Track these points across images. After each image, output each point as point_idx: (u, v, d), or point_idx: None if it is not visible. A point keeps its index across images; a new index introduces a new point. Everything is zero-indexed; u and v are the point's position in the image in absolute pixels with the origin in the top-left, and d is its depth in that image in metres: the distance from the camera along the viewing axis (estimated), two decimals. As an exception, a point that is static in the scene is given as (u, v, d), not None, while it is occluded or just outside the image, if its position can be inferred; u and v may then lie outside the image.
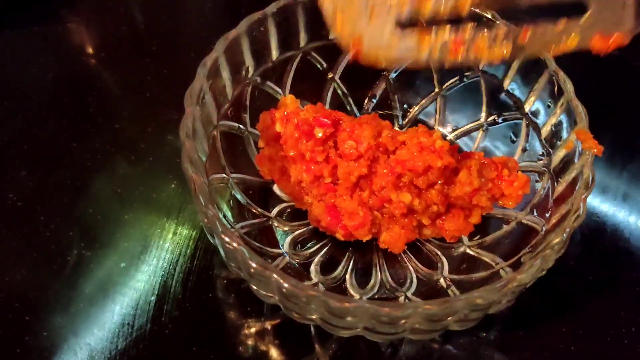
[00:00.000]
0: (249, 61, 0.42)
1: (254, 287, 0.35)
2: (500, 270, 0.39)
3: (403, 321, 0.31)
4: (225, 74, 0.41)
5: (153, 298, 0.41)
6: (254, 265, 0.31)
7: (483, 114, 0.46)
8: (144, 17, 0.60)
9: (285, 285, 0.30)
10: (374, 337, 0.34)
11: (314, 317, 0.33)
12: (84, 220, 0.45)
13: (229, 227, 0.37)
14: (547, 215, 0.39)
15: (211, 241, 0.37)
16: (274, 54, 0.44)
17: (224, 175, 0.41)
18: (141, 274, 0.42)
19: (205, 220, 0.33)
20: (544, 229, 0.38)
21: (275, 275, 0.30)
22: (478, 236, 0.43)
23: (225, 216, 0.39)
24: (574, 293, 0.43)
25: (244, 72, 0.43)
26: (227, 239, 0.32)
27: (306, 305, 0.32)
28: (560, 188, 0.38)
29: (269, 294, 0.34)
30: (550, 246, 0.33)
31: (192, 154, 0.35)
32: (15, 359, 0.38)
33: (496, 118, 0.45)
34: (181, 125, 0.36)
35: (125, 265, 0.43)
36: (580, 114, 0.38)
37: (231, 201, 0.42)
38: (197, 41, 0.57)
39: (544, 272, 0.33)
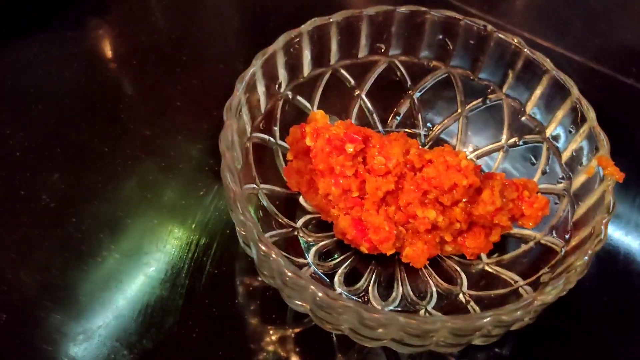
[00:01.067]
0: (282, 76, 0.44)
1: (286, 296, 0.36)
2: (520, 289, 0.40)
3: (431, 334, 0.32)
4: (260, 87, 0.42)
5: (180, 302, 0.42)
6: (289, 274, 0.32)
7: (504, 136, 0.48)
8: (173, 27, 0.61)
9: (320, 294, 0.32)
10: (399, 349, 0.35)
11: (343, 327, 0.34)
12: (114, 223, 0.46)
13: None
14: (566, 237, 0.40)
15: (244, 249, 0.39)
16: (306, 70, 0.45)
17: (255, 185, 0.43)
18: (169, 277, 0.43)
19: (242, 229, 0.35)
20: (563, 250, 0.39)
21: (311, 286, 0.32)
22: (497, 254, 0.44)
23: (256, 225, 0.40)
24: (589, 313, 0.44)
25: (276, 86, 0.44)
26: (264, 248, 0.33)
27: (338, 315, 0.33)
28: (580, 211, 0.40)
29: (301, 303, 0.35)
30: (573, 267, 0.34)
31: (231, 164, 0.36)
32: (44, 355, 0.40)
33: (517, 140, 0.47)
34: (221, 137, 0.37)
35: (154, 268, 0.44)
36: (602, 141, 0.39)
37: (260, 211, 0.43)
38: (226, 53, 0.59)
39: (565, 293, 0.34)
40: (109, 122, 0.52)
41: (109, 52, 0.58)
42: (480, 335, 0.34)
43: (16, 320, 0.41)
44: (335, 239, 0.44)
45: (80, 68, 0.56)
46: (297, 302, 0.35)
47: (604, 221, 0.36)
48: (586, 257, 0.34)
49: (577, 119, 0.42)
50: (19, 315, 0.41)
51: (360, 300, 0.42)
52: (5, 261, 0.43)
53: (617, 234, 0.49)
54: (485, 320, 0.31)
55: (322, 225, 0.45)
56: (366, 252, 0.42)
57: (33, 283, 0.43)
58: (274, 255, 0.32)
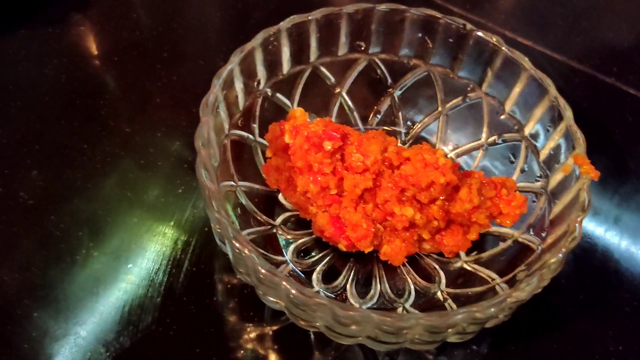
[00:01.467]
0: (261, 73, 0.44)
1: (261, 293, 0.36)
2: (496, 286, 0.40)
3: (405, 331, 0.32)
4: (239, 84, 0.42)
5: (158, 299, 0.42)
6: (263, 271, 0.32)
7: (484, 135, 0.48)
8: (155, 23, 0.61)
9: (294, 292, 0.32)
10: (375, 346, 0.35)
11: (318, 324, 0.34)
12: (93, 221, 0.46)
13: (237, 234, 0.38)
14: (543, 234, 0.40)
15: (220, 247, 0.39)
16: (285, 67, 0.45)
17: (233, 182, 0.43)
18: (147, 275, 0.43)
19: (217, 227, 0.35)
20: (539, 248, 0.39)
21: (284, 283, 0.32)
22: (475, 252, 0.44)
23: (232, 223, 0.40)
24: (565, 311, 0.45)
25: (255, 84, 0.44)
26: (238, 245, 0.33)
27: (313, 312, 0.33)
28: (556, 209, 0.40)
29: (276, 300, 0.35)
30: (547, 265, 0.34)
31: (207, 162, 0.36)
32: (24, 353, 0.39)
33: (496, 139, 0.47)
34: (196, 134, 0.37)
35: (132, 266, 0.44)
36: (579, 139, 0.40)
37: (238, 208, 0.43)
38: (206, 50, 0.59)
39: (539, 290, 0.34)
40: (88, 119, 0.52)
41: (89, 49, 0.58)
42: (455, 332, 0.34)
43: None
44: (313, 236, 0.44)
45: (61, 64, 0.56)
46: (272, 299, 0.35)
47: (579, 219, 0.36)
48: (560, 255, 0.34)
49: (554, 118, 0.42)
50: (-4, 313, 0.41)
51: (338, 298, 0.42)
52: (-18, 259, 0.43)
53: (595, 231, 0.49)
54: (458, 317, 0.31)
55: (301, 223, 0.45)
56: (344, 249, 0.42)
57: (12, 281, 0.42)
58: (246, 252, 0.32)
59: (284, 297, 0.33)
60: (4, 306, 0.41)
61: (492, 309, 0.32)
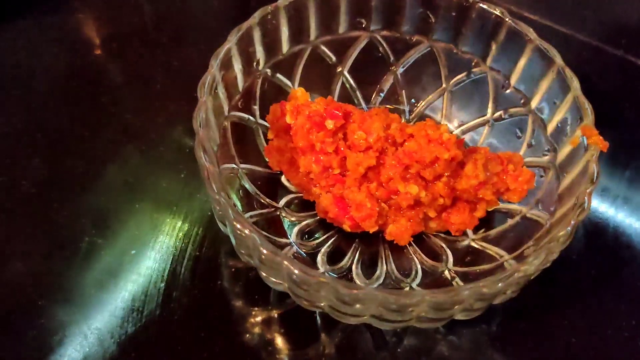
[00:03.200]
0: (260, 53, 0.43)
1: (264, 274, 0.36)
2: (505, 263, 0.39)
3: (410, 309, 0.31)
4: (237, 65, 0.41)
5: (162, 285, 0.42)
6: (265, 251, 0.32)
7: (489, 110, 0.47)
8: (154, 9, 0.60)
9: (296, 271, 0.31)
10: (380, 325, 0.35)
11: (322, 304, 0.34)
12: (96, 208, 0.45)
13: (239, 215, 0.37)
14: (551, 209, 0.39)
15: (222, 229, 0.38)
16: (285, 46, 0.45)
17: (234, 165, 0.42)
18: (151, 261, 0.43)
19: (218, 208, 0.34)
20: (548, 223, 0.38)
21: (286, 262, 0.31)
22: (483, 229, 0.44)
23: (234, 206, 0.40)
24: (576, 287, 0.44)
25: (255, 64, 0.43)
26: (239, 226, 0.32)
27: (316, 292, 0.32)
28: (565, 183, 0.39)
29: (279, 281, 0.35)
30: (555, 238, 0.33)
31: (205, 143, 0.35)
32: (29, 341, 0.39)
33: (502, 114, 0.46)
34: (194, 115, 0.36)
35: (136, 252, 0.43)
36: (587, 110, 0.38)
37: (240, 191, 0.42)
38: (206, 33, 0.58)
39: (548, 264, 0.33)
40: (89, 106, 0.51)
41: (89, 36, 0.57)
42: (462, 309, 0.33)
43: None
44: (317, 218, 0.44)
45: (60, 52, 0.55)
46: (275, 280, 0.35)
47: (588, 191, 0.35)
48: (569, 228, 0.34)
49: (561, 89, 0.41)
50: (1, 302, 0.41)
51: (343, 279, 0.41)
52: (-15, 248, 0.43)
53: (606, 208, 0.48)
54: (465, 292, 0.31)
55: (305, 205, 0.44)
56: (349, 230, 0.42)
57: (15, 270, 0.42)
58: (247, 232, 0.32)
59: (286, 277, 0.33)
60: (8, 294, 0.41)
61: (500, 284, 0.31)
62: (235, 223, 0.32)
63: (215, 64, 0.38)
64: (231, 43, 0.39)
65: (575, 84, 0.40)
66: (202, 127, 0.36)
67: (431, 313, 0.32)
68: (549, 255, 0.33)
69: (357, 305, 0.32)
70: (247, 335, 0.40)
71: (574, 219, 0.34)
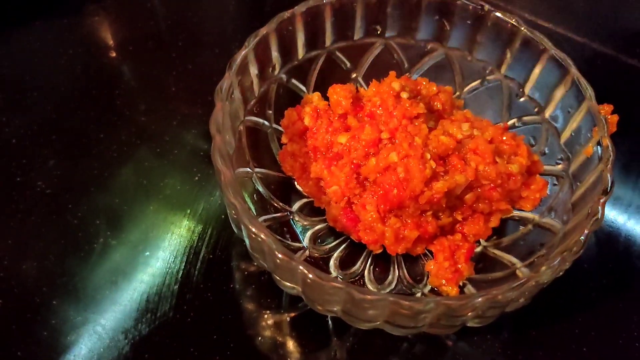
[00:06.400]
0: (276, 59, 0.43)
1: (277, 278, 0.36)
2: (517, 271, 0.39)
3: (424, 315, 0.32)
4: (253, 70, 0.42)
5: (176, 287, 0.42)
6: (280, 256, 0.32)
7: (503, 118, 0.47)
8: (170, 13, 0.61)
9: (310, 276, 0.31)
10: (393, 331, 0.35)
11: (336, 308, 0.34)
12: (110, 209, 0.46)
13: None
14: (564, 218, 0.39)
15: (236, 232, 0.38)
16: (300, 52, 0.45)
17: (248, 169, 0.42)
18: (164, 263, 0.43)
19: (233, 212, 0.34)
20: (561, 231, 0.38)
21: (301, 267, 0.31)
22: (495, 237, 0.44)
23: (249, 209, 0.40)
24: (587, 295, 0.44)
25: (270, 70, 0.44)
26: (254, 230, 0.33)
27: (329, 297, 0.32)
28: (579, 192, 0.39)
29: (292, 285, 0.35)
30: (569, 247, 0.34)
31: (222, 147, 0.35)
32: (43, 341, 0.40)
33: (516, 122, 0.46)
34: (211, 120, 0.36)
35: (149, 254, 0.44)
36: (601, 120, 0.39)
37: (254, 195, 0.43)
38: (222, 38, 0.58)
39: (561, 273, 0.34)
40: (104, 109, 0.52)
41: (105, 39, 0.58)
42: (474, 316, 0.33)
43: (13, 307, 0.41)
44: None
45: (76, 55, 0.56)
46: (289, 284, 0.35)
47: (602, 201, 0.35)
48: (582, 237, 0.34)
49: (576, 98, 0.41)
50: (17, 301, 0.41)
51: (355, 284, 0.41)
52: (2, 248, 0.43)
53: (618, 216, 0.48)
54: (478, 300, 0.31)
55: (318, 209, 0.45)
56: (357, 241, 0.42)
57: (30, 270, 0.43)
58: (263, 237, 0.32)
59: (300, 281, 0.33)
60: (23, 294, 0.41)
61: (513, 293, 0.32)
62: (251, 227, 0.33)
63: (233, 69, 0.39)
64: (248, 49, 0.40)
65: (590, 92, 0.40)
66: (219, 132, 0.36)
67: (444, 319, 0.33)
68: (562, 265, 0.33)
69: (371, 311, 0.32)
70: (259, 338, 0.41)
71: (587, 228, 0.34)
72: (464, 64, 0.47)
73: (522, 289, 0.32)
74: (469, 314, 0.32)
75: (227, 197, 0.34)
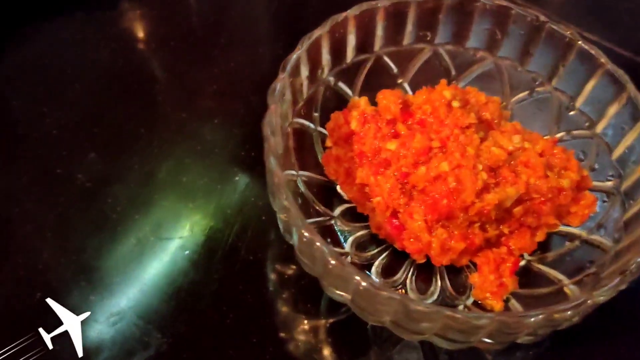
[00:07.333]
0: (326, 61, 0.43)
1: (326, 284, 0.35)
2: (565, 288, 0.39)
3: (478, 330, 0.31)
4: (304, 72, 0.41)
5: (214, 287, 0.42)
6: (333, 262, 0.32)
7: (551, 131, 0.46)
8: (211, 11, 0.60)
9: (364, 284, 0.31)
10: (442, 344, 0.34)
11: (386, 318, 0.33)
12: (149, 205, 0.46)
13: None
14: (616, 236, 0.39)
15: (285, 236, 0.38)
16: (350, 55, 0.45)
17: (294, 172, 0.42)
18: (202, 262, 0.43)
19: (284, 216, 0.34)
20: (613, 250, 0.38)
21: (356, 276, 0.31)
22: (539, 251, 0.43)
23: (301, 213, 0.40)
24: (635, 315, 0.43)
25: (319, 72, 0.43)
26: (308, 235, 0.32)
27: (382, 307, 0.32)
28: (633, 210, 0.38)
29: (341, 293, 0.34)
30: (627, 267, 0.33)
31: (274, 150, 0.35)
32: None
33: (564, 135, 0.45)
34: (265, 121, 0.36)
35: (189, 253, 0.43)
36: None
37: (298, 198, 0.42)
38: (264, 37, 0.58)
39: (615, 293, 0.33)
40: (145, 104, 0.52)
41: (146, 34, 0.58)
42: (527, 333, 0.33)
43: (52, 299, 0.40)
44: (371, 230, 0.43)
45: (118, 49, 0.56)
46: (338, 292, 0.34)
47: (661, 222, 0.34)
48: (640, 258, 0.33)
49: (631, 115, 0.40)
50: (54, 295, 0.41)
51: (397, 293, 0.41)
52: (41, 240, 0.43)
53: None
54: (536, 318, 0.30)
55: (360, 215, 0.44)
56: (400, 250, 0.41)
57: (69, 263, 0.42)
58: (318, 244, 0.31)
59: (351, 289, 0.32)
60: (60, 287, 0.41)
61: (570, 312, 0.31)
62: (304, 232, 0.32)
63: (286, 70, 0.38)
64: (302, 50, 0.39)
65: (648, 113, 0.39)
66: (273, 134, 0.35)
67: (497, 336, 0.32)
68: (620, 285, 0.32)
69: (424, 324, 0.32)
70: (298, 343, 0.40)
71: (647, 249, 0.33)
72: (513, 74, 0.47)
73: (579, 308, 0.31)
74: (524, 330, 0.32)
75: (280, 201, 0.34)
